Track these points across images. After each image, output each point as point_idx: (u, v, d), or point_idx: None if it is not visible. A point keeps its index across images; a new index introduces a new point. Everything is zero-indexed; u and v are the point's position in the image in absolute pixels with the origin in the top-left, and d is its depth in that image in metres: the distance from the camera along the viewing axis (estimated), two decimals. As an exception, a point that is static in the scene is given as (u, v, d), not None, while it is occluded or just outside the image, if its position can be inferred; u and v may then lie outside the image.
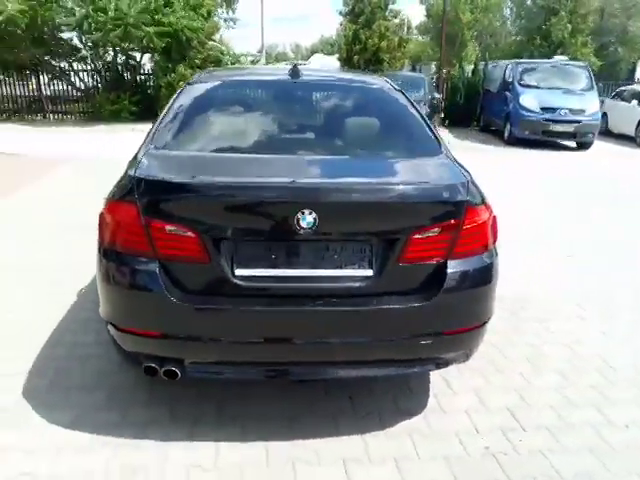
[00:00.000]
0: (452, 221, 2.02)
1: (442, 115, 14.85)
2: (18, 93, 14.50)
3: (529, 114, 10.95)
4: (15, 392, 2.40)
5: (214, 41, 15.21)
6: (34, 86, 14.54)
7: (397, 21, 18.44)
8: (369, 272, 2.01)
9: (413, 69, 20.68)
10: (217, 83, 3.00)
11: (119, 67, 14.90)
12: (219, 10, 51.31)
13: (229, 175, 2.09)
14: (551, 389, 2.59)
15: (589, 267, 4.23)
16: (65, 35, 13.80)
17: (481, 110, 13.94)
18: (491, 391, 2.56)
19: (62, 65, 14.58)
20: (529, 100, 11.11)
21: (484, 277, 2.14)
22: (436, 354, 2.18)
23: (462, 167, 2.29)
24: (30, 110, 14.58)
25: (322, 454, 2.10)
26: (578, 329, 3.22)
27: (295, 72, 2.84)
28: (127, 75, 15.01)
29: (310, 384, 2.50)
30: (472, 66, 15.48)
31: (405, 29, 18.78)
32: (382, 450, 2.13)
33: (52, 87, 14.70)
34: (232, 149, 2.39)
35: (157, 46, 12.90)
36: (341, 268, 2.01)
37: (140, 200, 1.92)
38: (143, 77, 15.26)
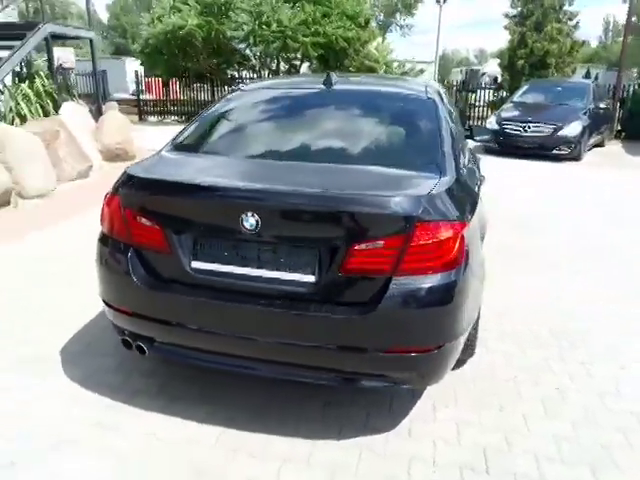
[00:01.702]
0: (398, 235, 1.97)
1: (617, 127, 13.14)
2: (199, 98, 16.44)
3: None
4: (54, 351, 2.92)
5: (369, 49, 15.53)
6: (209, 92, 16.36)
7: (572, 23, 16.81)
8: (312, 278, 2.06)
9: (587, 75, 18.63)
10: (251, 92, 3.27)
11: (282, 74, 16.13)
12: (397, 17, 51.26)
13: (196, 175, 2.30)
14: (549, 439, 2.31)
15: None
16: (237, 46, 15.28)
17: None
18: (476, 427, 2.38)
19: (233, 73, 16.26)
20: None
21: (438, 298, 2.03)
22: (380, 371, 2.13)
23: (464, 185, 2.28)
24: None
25: (267, 449, 2.20)
26: (622, 379, 2.78)
27: (327, 81, 2.95)
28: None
29: (297, 384, 2.54)
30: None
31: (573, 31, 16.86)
32: (325, 458, 2.15)
33: (223, 93, 16.45)
34: (229, 153, 2.63)
35: (312, 55, 13.67)
36: (286, 271, 2.08)
37: (122, 193, 2.26)
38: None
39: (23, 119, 7.07)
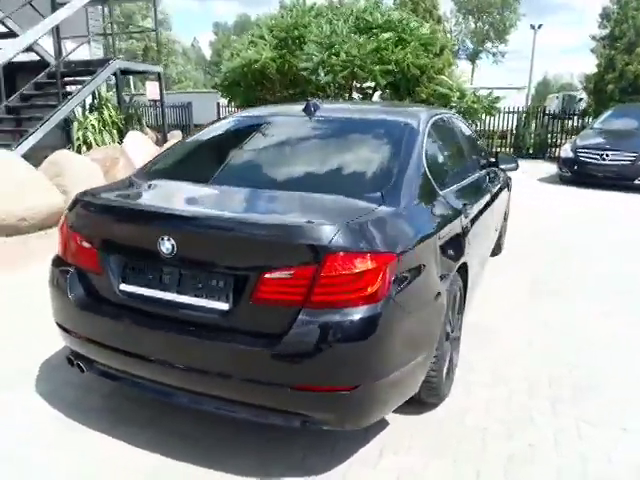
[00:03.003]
0: (307, 266, 1.87)
1: None
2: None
3: None
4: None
5: (442, 77, 15.26)
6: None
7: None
8: (226, 306, 2.00)
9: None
10: (230, 120, 3.34)
11: (355, 103, 16.30)
12: (488, 44, 50.48)
13: (126, 199, 2.39)
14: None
15: None
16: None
17: None
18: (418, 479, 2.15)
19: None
20: None
21: (352, 334, 1.90)
22: (295, 409, 2.00)
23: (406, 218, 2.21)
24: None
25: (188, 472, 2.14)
26: (619, 443, 2.40)
27: (308, 109, 3.00)
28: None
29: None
30: None
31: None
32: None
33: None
34: (179, 177, 2.71)
35: (380, 83, 13.70)
36: (203, 298, 2.05)
37: (68, 215, 2.38)
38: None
39: (89, 146, 7.70)
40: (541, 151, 14.42)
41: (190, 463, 2.22)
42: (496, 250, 5.18)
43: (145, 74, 11.99)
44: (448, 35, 45.71)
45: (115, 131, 8.17)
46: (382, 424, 2.46)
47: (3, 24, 7.95)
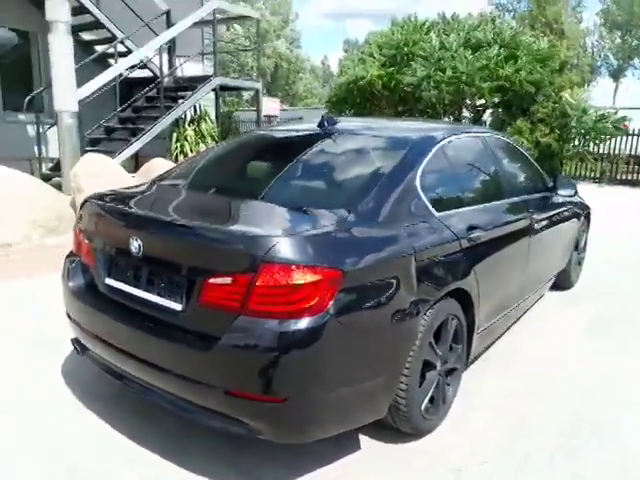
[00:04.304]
0: (245, 274, 1.92)
1: None
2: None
3: None
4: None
5: (563, 95, 14.19)
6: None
7: None
8: (179, 307, 2.11)
9: None
10: (249, 134, 3.63)
11: (464, 121, 15.74)
12: (636, 60, 46.32)
13: (115, 202, 2.57)
14: None
15: None
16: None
17: None
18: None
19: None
20: None
21: (282, 345, 1.90)
22: (233, 414, 2.03)
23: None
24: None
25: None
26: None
27: (321, 124, 3.04)
28: (468, 129, 15.69)
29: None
30: None
31: None
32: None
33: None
34: (178, 183, 2.91)
35: (489, 101, 13.12)
36: (164, 297, 2.17)
37: (79, 213, 2.67)
38: (482, 130, 15.60)
39: (186, 156, 8.34)
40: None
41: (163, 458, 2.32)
42: (564, 283, 4.75)
43: (246, 90, 12.69)
44: (588, 51, 42.46)
45: (211, 142, 8.75)
46: (353, 446, 2.42)
47: (123, 44, 8.93)
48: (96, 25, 8.95)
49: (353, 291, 2.01)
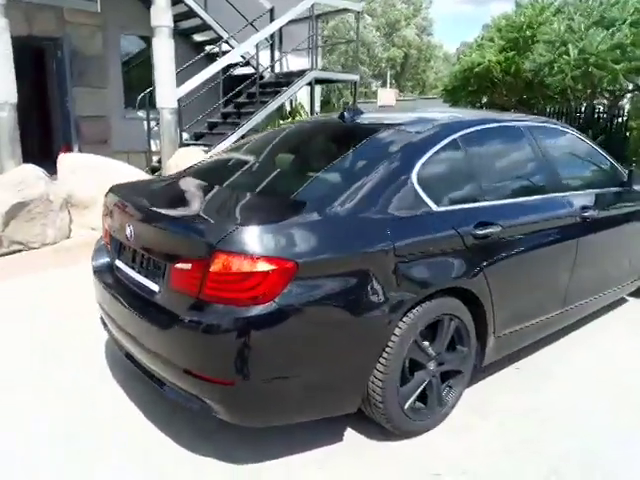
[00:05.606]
0: (200, 261, 2.05)
1: None
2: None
3: None
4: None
5: None
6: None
7: None
8: (156, 288, 2.33)
9: None
10: (284, 126, 3.72)
11: (600, 107, 14.11)
12: None
13: (127, 191, 2.84)
14: None
15: None
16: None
17: None
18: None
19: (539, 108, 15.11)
20: None
21: (230, 329, 2.00)
22: (193, 391, 2.18)
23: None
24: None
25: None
26: None
27: (342, 115, 3.01)
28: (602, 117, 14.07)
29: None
30: None
31: None
32: None
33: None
34: (196, 176, 3.05)
35: (622, 86, 11.62)
36: (147, 278, 2.40)
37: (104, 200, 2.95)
38: (620, 119, 13.87)
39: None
40: None
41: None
42: None
43: (343, 82, 12.61)
44: None
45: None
46: (335, 437, 2.44)
47: (228, 43, 9.43)
48: (205, 27, 9.57)
49: (309, 283, 2.02)
